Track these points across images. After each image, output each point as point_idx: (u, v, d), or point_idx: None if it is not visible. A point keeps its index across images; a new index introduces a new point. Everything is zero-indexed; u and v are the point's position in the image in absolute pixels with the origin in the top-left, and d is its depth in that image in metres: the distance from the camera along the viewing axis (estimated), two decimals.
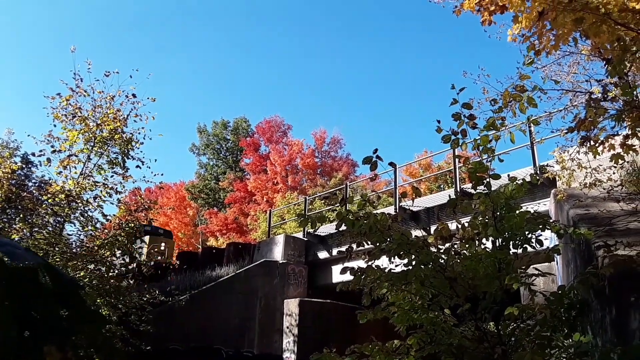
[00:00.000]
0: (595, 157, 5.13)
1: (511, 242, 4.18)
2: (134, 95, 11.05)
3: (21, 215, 9.52)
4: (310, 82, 71.43)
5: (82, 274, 9.71)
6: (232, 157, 44.24)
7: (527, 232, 4.14)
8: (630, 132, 4.51)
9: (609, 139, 4.85)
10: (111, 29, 68.05)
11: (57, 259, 9.39)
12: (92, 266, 10.11)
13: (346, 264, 4.50)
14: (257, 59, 68.95)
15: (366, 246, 4.32)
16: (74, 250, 10.07)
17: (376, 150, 4.13)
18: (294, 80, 70.80)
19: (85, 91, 10.72)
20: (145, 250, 18.33)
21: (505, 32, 5.60)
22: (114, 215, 11.31)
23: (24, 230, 9.55)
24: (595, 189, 6.79)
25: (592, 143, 4.84)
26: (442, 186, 26.93)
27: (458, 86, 4.09)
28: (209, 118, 72.96)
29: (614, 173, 6.84)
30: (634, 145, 4.81)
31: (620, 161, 4.99)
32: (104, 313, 10.19)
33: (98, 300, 10.00)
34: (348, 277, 4.51)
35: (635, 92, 4.44)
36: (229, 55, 69.79)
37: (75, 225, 10.53)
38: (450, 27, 70.05)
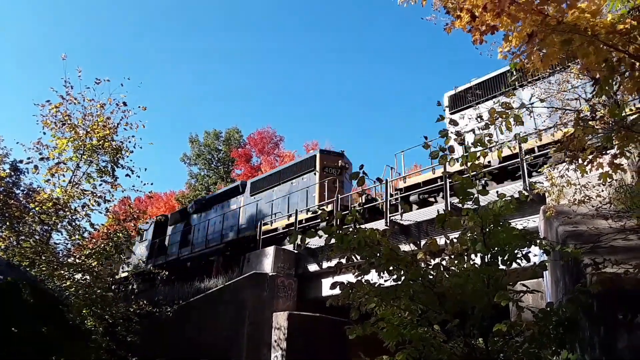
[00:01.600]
0: (583, 175, 5.17)
1: (499, 258, 4.19)
2: (124, 104, 11.03)
3: (8, 223, 9.40)
4: (303, 94, 71.74)
5: (68, 283, 9.59)
6: (224, 168, 44.08)
7: (514, 249, 4.15)
8: (618, 152, 4.55)
9: (597, 158, 4.89)
10: (105, 38, 68.06)
11: (43, 268, 9.26)
12: (78, 276, 9.98)
13: (336, 278, 4.49)
14: (251, 70, 69.23)
15: (356, 260, 4.31)
16: (61, 260, 9.93)
17: (362, 166, 4.19)
18: (286, 92, 71.05)
19: (76, 99, 10.69)
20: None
21: (496, 50, 5.65)
22: (102, 224, 11.19)
23: (11, 238, 9.42)
24: (584, 206, 6.83)
25: (580, 161, 4.88)
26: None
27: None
28: (201, 128, 73.01)
29: (602, 190, 6.89)
30: (622, 164, 4.86)
31: (609, 179, 5.03)
32: (89, 324, 10.04)
33: (84, 311, 9.85)
34: (338, 291, 4.49)
35: (624, 112, 4.49)
36: (223, 66, 70.00)
37: (62, 234, 10.41)
38: (442, 44, 70.83)
